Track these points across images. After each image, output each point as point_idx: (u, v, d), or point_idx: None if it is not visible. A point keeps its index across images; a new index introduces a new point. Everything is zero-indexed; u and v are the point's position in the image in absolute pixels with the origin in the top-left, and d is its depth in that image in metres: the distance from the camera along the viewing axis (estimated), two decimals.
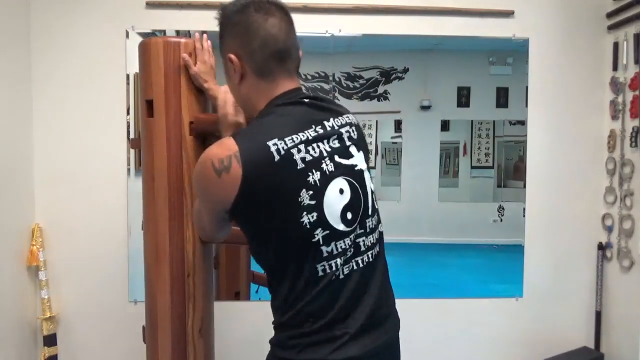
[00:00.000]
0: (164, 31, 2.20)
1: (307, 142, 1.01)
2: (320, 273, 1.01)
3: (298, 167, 0.98)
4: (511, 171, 2.48)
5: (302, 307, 1.02)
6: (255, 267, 2.41)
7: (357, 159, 1.08)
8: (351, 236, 1.04)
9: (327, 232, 1.00)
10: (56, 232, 2.19)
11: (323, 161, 1.01)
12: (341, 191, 1.03)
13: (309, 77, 2.33)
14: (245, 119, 1.23)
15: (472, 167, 2.52)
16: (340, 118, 1.09)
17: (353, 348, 1.02)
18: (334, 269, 1.02)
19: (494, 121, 2.47)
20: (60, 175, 2.18)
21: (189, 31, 2.22)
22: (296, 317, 1.03)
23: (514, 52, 2.36)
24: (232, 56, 1.05)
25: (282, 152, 0.97)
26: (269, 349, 1.13)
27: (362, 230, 1.07)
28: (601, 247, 2.33)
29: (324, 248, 1.01)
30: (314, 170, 1.00)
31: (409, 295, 2.36)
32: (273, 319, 1.10)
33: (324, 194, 1.00)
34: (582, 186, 2.37)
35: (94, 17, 2.17)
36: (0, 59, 1.95)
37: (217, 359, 1.55)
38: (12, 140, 2.04)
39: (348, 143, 1.08)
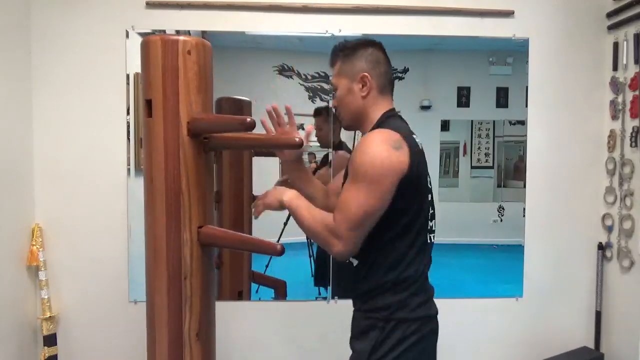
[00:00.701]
0: (164, 31, 2.20)
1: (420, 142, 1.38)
2: (427, 242, 1.38)
3: (425, 157, 1.37)
4: (511, 171, 2.48)
5: (413, 271, 1.34)
6: (256, 267, 2.41)
7: None
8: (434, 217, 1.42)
9: (432, 211, 1.40)
10: (56, 232, 2.19)
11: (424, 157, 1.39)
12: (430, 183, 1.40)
13: (309, 77, 2.33)
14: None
15: (472, 167, 2.51)
16: None
17: (434, 306, 1.42)
18: (432, 240, 1.41)
19: (494, 121, 2.46)
20: (60, 175, 2.19)
21: (189, 31, 2.22)
22: (407, 280, 1.33)
23: (514, 52, 2.36)
24: (367, 75, 1.38)
25: (420, 145, 1.36)
26: (370, 315, 1.38)
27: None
28: (601, 247, 2.33)
29: (429, 223, 1.39)
30: (425, 161, 1.38)
31: None
32: (371, 287, 1.36)
33: (429, 181, 1.40)
34: (582, 186, 2.37)
35: (94, 17, 2.17)
36: (0, 59, 1.95)
37: (219, 358, 1.54)
38: (12, 140, 2.04)
39: None
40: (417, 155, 1.30)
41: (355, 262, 1.39)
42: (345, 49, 1.42)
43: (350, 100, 1.40)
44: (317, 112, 2.33)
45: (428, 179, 1.38)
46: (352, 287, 1.44)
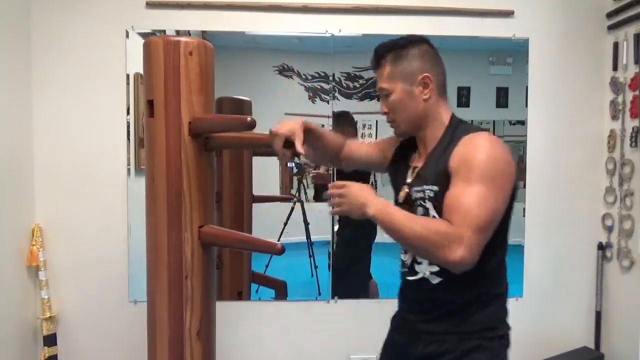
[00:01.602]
0: (164, 31, 2.20)
1: None
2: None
3: None
4: None
5: (505, 278, 1.30)
6: (255, 268, 2.41)
7: None
8: None
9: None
10: (56, 232, 2.19)
11: None
12: None
13: (309, 77, 2.33)
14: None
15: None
16: None
17: None
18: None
19: (494, 121, 2.46)
20: (60, 175, 2.18)
21: (189, 31, 2.22)
22: (504, 293, 1.29)
23: (514, 52, 2.36)
24: (429, 75, 1.26)
25: None
26: (483, 333, 1.25)
27: None
28: (601, 247, 2.33)
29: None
30: None
31: None
32: (465, 302, 1.24)
33: None
34: (582, 186, 2.37)
35: (94, 17, 2.17)
36: (0, 59, 1.95)
37: (219, 358, 1.54)
38: (12, 141, 2.04)
39: None
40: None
41: (437, 280, 1.24)
42: (395, 49, 1.28)
43: (410, 105, 1.27)
44: (337, 117, 2.36)
45: None
46: (433, 306, 1.27)
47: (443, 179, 1.18)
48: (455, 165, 1.17)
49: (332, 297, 2.35)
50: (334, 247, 2.39)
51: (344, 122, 2.37)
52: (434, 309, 1.27)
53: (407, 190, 1.29)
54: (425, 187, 1.23)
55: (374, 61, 1.32)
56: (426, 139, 1.30)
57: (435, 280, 1.24)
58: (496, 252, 1.23)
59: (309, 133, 1.34)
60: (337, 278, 2.38)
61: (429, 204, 1.22)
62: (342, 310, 2.35)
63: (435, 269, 1.24)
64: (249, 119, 1.25)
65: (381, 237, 2.45)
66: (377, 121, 2.47)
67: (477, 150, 1.16)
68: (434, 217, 1.20)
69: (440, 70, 1.30)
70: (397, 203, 1.33)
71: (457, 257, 1.08)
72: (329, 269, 2.36)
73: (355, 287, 2.45)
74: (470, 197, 1.11)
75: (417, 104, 1.27)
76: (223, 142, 1.41)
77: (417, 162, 1.34)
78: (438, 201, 1.19)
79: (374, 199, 1.16)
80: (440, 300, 1.26)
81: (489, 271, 1.23)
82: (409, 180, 1.32)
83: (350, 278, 2.45)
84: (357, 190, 1.19)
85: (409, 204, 1.27)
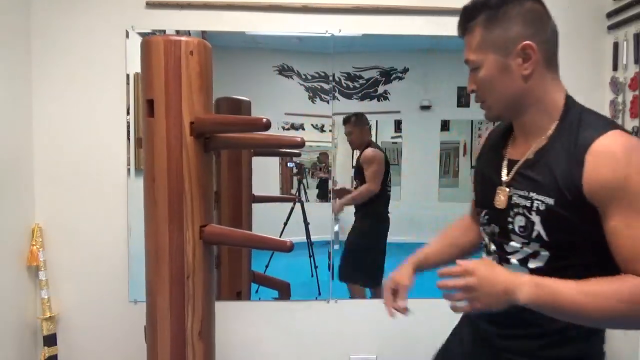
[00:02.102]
0: (164, 31, 2.20)
1: None
2: None
3: None
4: None
5: None
6: (256, 267, 2.41)
7: None
8: None
9: None
10: (56, 232, 2.19)
11: None
12: None
13: (309, 77, 2.33)
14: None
15: (472, 167, 2.51)
16: None
17: None
18: None
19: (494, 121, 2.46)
20: (60, 175, 2.18)
21: (189, 31, 2.22)
22: None
23: None
24: (531, 44, 0.98)
25: None
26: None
27: None
28: None
29: None
30: None
31: (410, 295, 2.36)
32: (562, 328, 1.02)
33: None
34: None
35: (94, 17, 2.17)
36: (0, 58, 1.95)
37: (219, 358, 1.55)
38: (12, 140, 2.04)
39: None
40: None
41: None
42: (488, 9, 1.00)
43: (505, 81, 1.01)
44: (346, 120, 2.39)
45: None
46: (519, 323, 1.05)
47: (565, 195, 0.94)
48: (600, 190, 0.91)
49: (332, 297, 2.35)
50: (348, 236, 2.42)
51: (363, 123, 2.41)
52: (520, 327, 1.06)
53: (507, 192, 1.05)
54: (534, 195, 0.99)
55: (461, 26, 1.07)
56: (528, 126, 1.04)
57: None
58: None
59: (424, 266, 1.27)
60: (348, 267, 2.40)
61: (535, 218, 0.98)
62: (342, 310, 2.35)
63: None
64: (264, 119, 1.25)
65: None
66: (377, 121, 2.47)
67: (631, 167, 0.90)
68: (538, 235, 0.98)
69: (548, 36, 1.03)
70: (489, 208, 1.10)
71: None
72: (329, 269, 2.36)
73: (367, 277, 2.46)
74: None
75: (514, 80, 1.00)
76: (224, 142, 1.41)
77: (514, 154, 1.08)
78: (550, 217, 0.96)
79: (516, 279, 0.92)
80: (529, 320, 1.02)
81: None
82: (505, 177, 1.07)
83: (363, 266, 2.46)
84: (489, 276, 0.92)
85: (503, 212, 1.05)
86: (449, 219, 2.75)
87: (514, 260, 1.05)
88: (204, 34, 2.21)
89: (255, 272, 2.40)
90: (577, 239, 0.97)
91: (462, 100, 2.44)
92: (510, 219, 1.04)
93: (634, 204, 0.90)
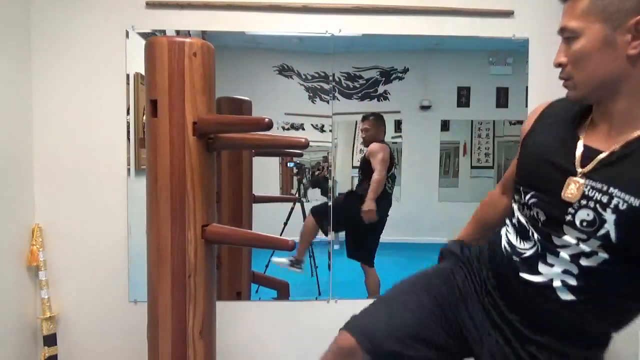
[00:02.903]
0: (164, 31, 2.20)
1: None
2: None
3: None
4: None
5: None
6: (256, 267, 2.41)
7: None
8: None
9: None
10: (56, 232, 2.19)
11: None
12: None
13: (309, 77, 2.33)
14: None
15: (472, 167, 2.52)
16: None
17: None
18: None
19: (494, 121, 2.47)
20: (60, 175, 2.18)
21: (189, 31, 2.22)
22: None
23: (514, 52, 2.36)
24: None
25: None
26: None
27: None
28: None
29: None
30: None
31: None
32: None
33: None
34: None
35: (94, 17, 2.17)
36: (0, 59, 1.95)
37: (219, 358, 1.55)
38: (12, 140, 2.04)
39: None
40: None
41: (569, 297, 0.96)
42: None
43: (605, 58, 0.88)
44: (365, 117, 2.44)
45: None
46: (550, 321, 1.02)
47: None
48: None
49: (332, 297, 2.35)
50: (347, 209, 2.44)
51: (380, 123, 2.44)
52: (549, 324, 1.01)
53: (582, 184, 0.93)
54: (615, 191, 0.89)
55: None
56: (619, 114, 0.92)
57: (567, 296, 0.96)
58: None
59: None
60: (350, 243, 2.45)
61: (609, 216, 0.89)
62: (342, 310, 2.34)
63: (574, 281, 0.95)
64: (266, 119, 1.26)
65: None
66: None
67: None
68: (605, 235, 0.90)
69: None
70: (541, 192, 1.00)
71: None
72: (329, 269, 2.36)
73: (366, 253, 2.48)
74: None
75: (616, 59, 0.88)
76: (227, 142, 1.42)
77: (594, 141, 0.95)
78: (629, 219, 0.88)
79: None
80: (564, 321, 0.99)
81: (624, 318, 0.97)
82: (581, 167, 0.94)
83: (364, 242, 2.49)
84: None
85: (565, 202, 0.94)
86: (449, 219, 2.77)
87: (564, 254, 0.96)
88: (204, 34, 2.21)
89: (255, 272, 2.41)
90: None
91: (462, 100, 2.44)
92: (571, 210, 0.94)
93: None
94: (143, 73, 1.42)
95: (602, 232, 0.91)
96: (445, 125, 2.49)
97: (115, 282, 2.22)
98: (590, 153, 0.94)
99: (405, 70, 2.40)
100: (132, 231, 2.21)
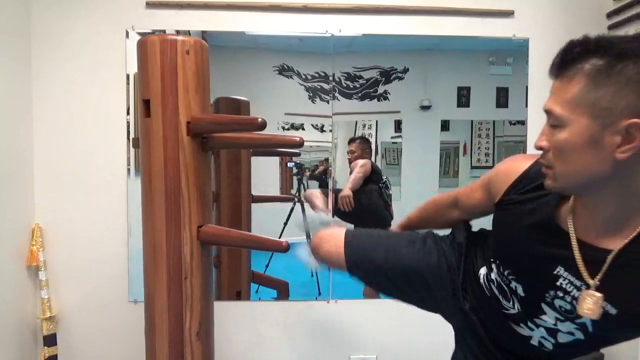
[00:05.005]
0: (164, 31, 2.20)
1: None
2: None
3: None
4: None
5: None
6: (256, 267, 2.41)
7: None
8: None
9: None
10: (56, 232, 2.19)
11: None
12: None
13: (309, 77, 2.33)
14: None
15: (472, 167, 2.51)
16: None
17: None
18: None
19: (494, 121, 2.46)
20: (60, 175, 2.19)
21: (189, 31, 2.22)
22: None
23: (514, 52, 2.36)
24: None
25: None
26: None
27: None
28: None
29: None
30: None
31: None
32: None
33: None
34: None
35: (94, 17, 2.17)
36: (1, 59, 1.95)
37: (219, 358, 1.54)
38: (12, 141, 2.04)
39: None
40: None
41: (554, 350, 1.00)
42: (605, 53, 0.76)
43: (589, 157, 0.79)
44: (352, 140, 2.42)
45: None
46: None
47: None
48: None
49: (332, 297, 2.35)
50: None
51: (366, 147, 2.44)
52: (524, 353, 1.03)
53: (599, 299, 0.86)
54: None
55: (557, 64, 0.82)
56: (602, 211, 0.84)
57: (544, 347, 0.99)
58: None
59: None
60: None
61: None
62: (342, 310, 2.35)
63: (550, 345, 0.98)
64: (259, 119, 1.25)
65: None
66: (377, 121, 2.47)
67: None
68: (583, 325, 0.92)
69: None
70: (522, 277, 0.97)
71: None
72: (329, 269, 2.36)
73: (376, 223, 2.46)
74: None
75: (602, 161, 0.78)
76: (222, 142, 1.41)
77: (584, 233, 0.88)
78: (603, 325, 0.89)
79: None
80: (538, 354, 1.01)
81: None
82: (591, 279, 0.87)
83: (374, 216, 2.49)
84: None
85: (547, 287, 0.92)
86: None
87: (542, 328, 0.99)
88: (204, 34, 2.21)
89: (255, 272, 2.40)
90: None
91: (462, 100, 2.43)
92: (548, 297, 0.93)
93: None
94: (137, 72, 1.41)
95: (579, 320, 0.92)
96: (445, 125, 2.49)
97: (115, 282, 2.22)
98: (590, 251, 0.87)
99: (405, 70, 2.39)
100: (132, 231, 2.21)
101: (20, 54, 2.10)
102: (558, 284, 0.90)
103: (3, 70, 1.97)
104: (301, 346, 2.33)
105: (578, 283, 0.88)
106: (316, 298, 2.36)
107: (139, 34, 2.18)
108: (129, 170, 2.21)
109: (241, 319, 2.30)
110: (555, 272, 0.90)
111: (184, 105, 1.31)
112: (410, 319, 2.32)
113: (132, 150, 2.20)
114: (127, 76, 2.19)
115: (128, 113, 2.20)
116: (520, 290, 0.99)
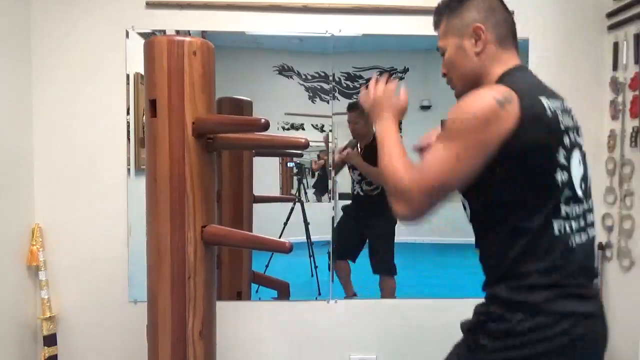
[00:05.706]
0: (164, 31, 2.20)
1: (562, 110, 1.11)
2: (556, 232, 1.07)
3: (561, 128, 1.08)
4: None
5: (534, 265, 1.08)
6: (256, 267, 2.41)
7: (582, 141, 1.19)
8: (584, 206, 1.14)
9: (571, 193, 1.09)
10: (56, 232, 2.19)
11: (569, 131, 1.11)
12: (579, 162, 1.14)
13: (309, 77, 2.33)
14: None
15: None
16: (563, 99, 1.17)
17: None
18: (567, 230, 1.08)
19: None
20: (60, 175, 2.18)
21: (189, 31, 2.22)
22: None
23: None
24: (481, 26, 1.15)
25: (551, 110, 1.07)
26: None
27: (588, 207, 1.17)
28: (601, 247, 2.33)
29: (563, 207, 1.08)
30: (566, 135, 1.09)
31: (410, 295, 2.36)
32: (494, 275, 1.19)
33: (571, 159, 1.10)
34: None
35: (94, 17, 2.17)
36: (0, 59, 1.95)
37: (219, 358, 1.54)
38: (13, 141, 2.04)
39: (578, 124, 1.18)
40: (534, 119, 1.02)
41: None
42: (451, 3, 1.21)
43: (462, 60, 1.18)
44: (351, 107, 2.34)
45: (560, 152, 1.06)
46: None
47: None
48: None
49: (332, 297, 2.35)
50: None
51: (359, 111, 2.35)
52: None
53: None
54: None
55: (434, 19, 1.26)
56: None
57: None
58: (504, 219, 1.08)
59: None
60: (376, 258, 2.44)
61: None
62: (342, 310, 2.35)
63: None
64: (263, 120, 1.26)
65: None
66: None
67: (454, 108, 1.07)
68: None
69: (499, 18, 1.17)
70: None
71: (398, 209, 1.11)
72: (329, 269, 2.36)
73: (391, 264, 2.44)
74: (428, 155, 1.09)
75: (469, 59, 1.17)
76: (227, 142, 1.41)
77: None
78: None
79: (391, 113, 1.31)
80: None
81: (503, 257, 1.10)
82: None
83: (387, 254, 2.45)
84: (383, 100, 1.33)
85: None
86: (449, 219, 2.76)
87: None
88: (204, 34, 2.21)
89: (255, 272, 2.41)
90: None
91: None
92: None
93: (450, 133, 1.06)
94: (143, 73, 1.41)
95: None
96: None
97: (115, 282, 2.22)
98: None
99: (405, 70, 2.40)
100: (132, 231, 2.21)
101: (20, 53, 2.09)
102: None
103: (3, 70, 1.97)
104: (301, 346, 2.33)
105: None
106: (316, 298, 2.36)
107: (139, 34, 2.18)
108: (129, 170, 2.21)
109: (241, 319, 2.30)
110: None
111: (190, 106, 1.31)
112: (410, 319, 2.32)
113: (132, 150, 2.20)
114: (127, 76, 2.19)
115: (128, 113, 2.20)
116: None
